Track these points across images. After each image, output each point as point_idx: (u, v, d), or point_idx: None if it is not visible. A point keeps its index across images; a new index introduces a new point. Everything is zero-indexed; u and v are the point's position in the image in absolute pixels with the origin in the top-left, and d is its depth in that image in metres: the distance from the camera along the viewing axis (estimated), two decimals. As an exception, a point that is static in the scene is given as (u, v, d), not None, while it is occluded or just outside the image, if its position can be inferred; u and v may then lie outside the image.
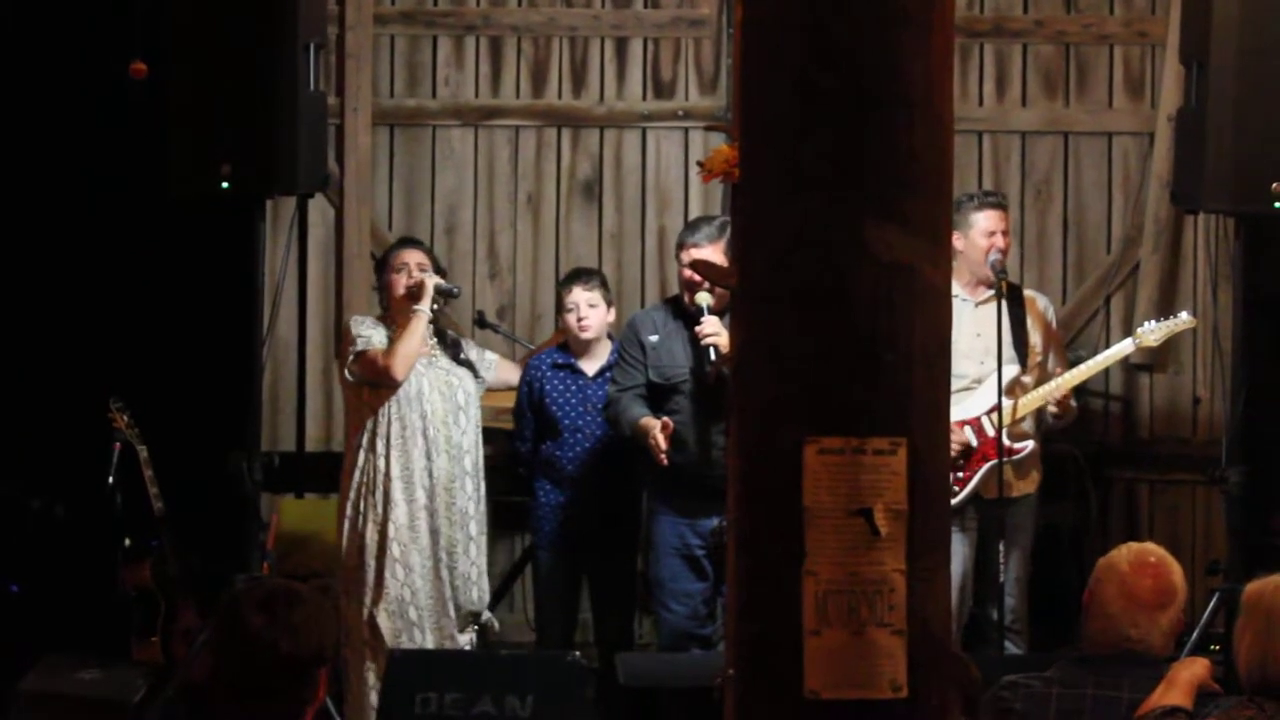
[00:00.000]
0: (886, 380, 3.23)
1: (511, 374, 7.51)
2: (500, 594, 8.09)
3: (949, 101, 3.36)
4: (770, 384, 3.28)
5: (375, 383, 6.93)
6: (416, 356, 6.93)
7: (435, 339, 7.14)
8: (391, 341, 6.91)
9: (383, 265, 7.20)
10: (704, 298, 6.94)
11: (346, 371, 6.99)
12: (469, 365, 7.18)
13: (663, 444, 6.94)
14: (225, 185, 6.97)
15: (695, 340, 7.05)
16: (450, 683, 6.30)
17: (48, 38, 8.09)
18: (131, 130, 7.51)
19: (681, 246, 7.13)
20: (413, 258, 7.10)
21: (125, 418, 7.28)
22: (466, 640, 7.04)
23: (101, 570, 7.42)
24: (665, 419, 6.98)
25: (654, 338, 7.18)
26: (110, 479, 7.23)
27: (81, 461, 7.45)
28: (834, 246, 3.23)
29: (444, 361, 7.11)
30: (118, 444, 7.27)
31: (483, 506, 7.08)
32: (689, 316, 7.11)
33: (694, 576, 7.14)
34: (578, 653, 6.82)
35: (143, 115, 7.25)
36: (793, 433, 3.22)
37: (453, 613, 6.94)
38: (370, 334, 6.95)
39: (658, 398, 7.14)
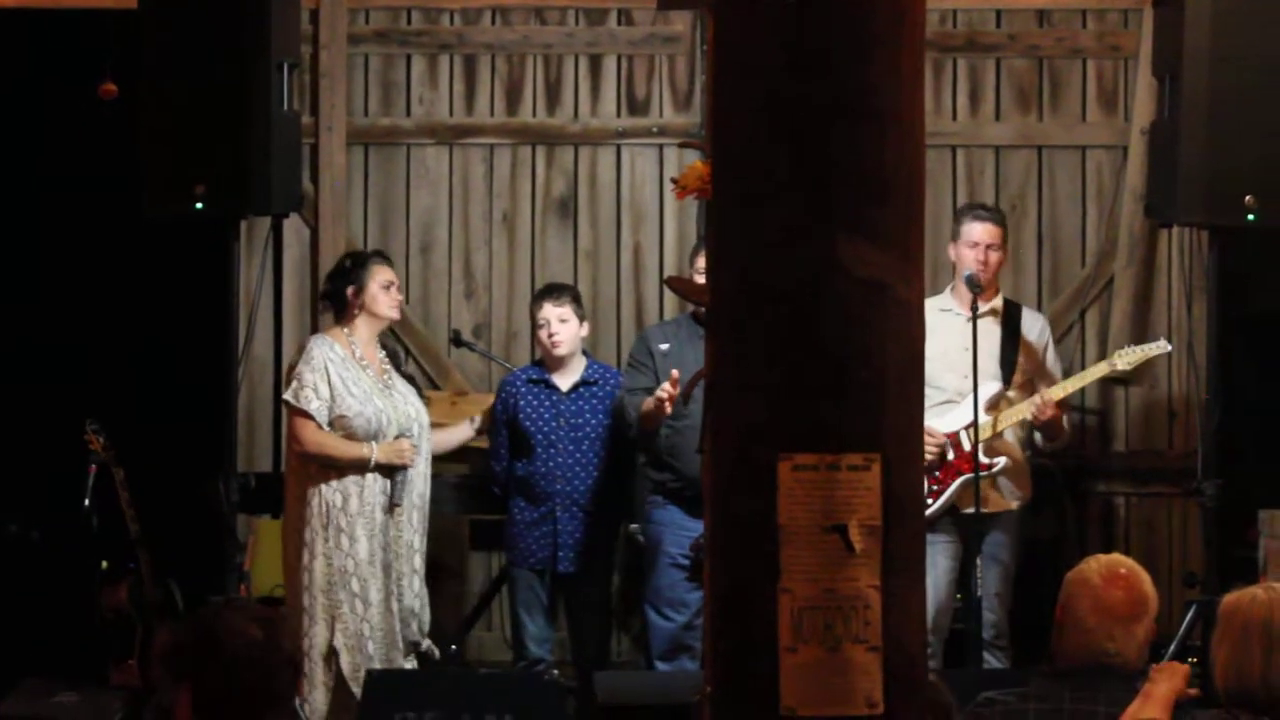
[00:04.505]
0: (860, 396, 3.22)
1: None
2: (478, 612, 8.08)
3: (921, 115, 3.36)
4: (744, 400, 3.27)
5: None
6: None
7: (382, 351, 7.12)
8: (331, 423, 6.84)
9: (359, 273, 7.06)
10: None
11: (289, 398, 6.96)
12: (412, 381, 7.19)
13: (670, 389, 6.85)
14: (199, 206, 6.98)
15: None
16: (429, 701, 6.30)
17: (19, 59, 8.07)
18: (105, 151, 7.50)
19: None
20: (394, 277, 7.12)
21: (101, 439, 7.25)
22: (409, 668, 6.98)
23: (78, 593, 7.39)
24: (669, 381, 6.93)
25: (665, 345, 7.21)
26: (86, 501, 7.20)
27: (57, 484, 7.43)
28: (806, 262, 3.23)
29: (399, 385, 7.06)
30: (94, 466, 7.24)
31: (425, 538, 7.03)
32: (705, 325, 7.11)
33: (692, 585, 7.12)
34: (555, 670, 6.82)
35: (116, 136, 7.23)
36: (766, 449, 3.21)
37: (400, 644, 6.90)
38: (312, 395, 6.85)
39: None
